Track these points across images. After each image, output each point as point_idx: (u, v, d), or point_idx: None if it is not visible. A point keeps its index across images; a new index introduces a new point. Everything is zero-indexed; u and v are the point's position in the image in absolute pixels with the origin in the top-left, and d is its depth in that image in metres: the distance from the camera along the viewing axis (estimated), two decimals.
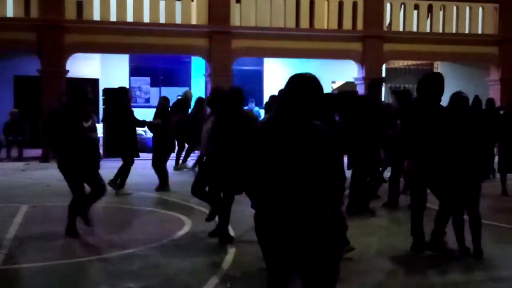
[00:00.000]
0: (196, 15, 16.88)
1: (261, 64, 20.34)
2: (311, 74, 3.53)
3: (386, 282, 5.61)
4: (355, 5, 17.70)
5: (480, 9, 18.63)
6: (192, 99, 13.95)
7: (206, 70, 17.56)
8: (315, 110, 3.44)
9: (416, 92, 6.49)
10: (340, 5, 17.63)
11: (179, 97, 11.71)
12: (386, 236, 7.23)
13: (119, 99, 10.21)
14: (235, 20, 17.05)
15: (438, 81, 6.15)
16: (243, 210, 8.14)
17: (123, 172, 9.93)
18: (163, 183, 10.37)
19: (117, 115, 10.04)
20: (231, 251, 6.39)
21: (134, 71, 19.80)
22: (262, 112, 17.68)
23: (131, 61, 19.60)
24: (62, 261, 6.03)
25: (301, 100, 3.39)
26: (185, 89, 17.57)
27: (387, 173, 9.50)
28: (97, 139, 7.25)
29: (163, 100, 11.33)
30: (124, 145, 9.94)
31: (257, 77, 19.81)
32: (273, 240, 3.43)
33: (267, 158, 3.45)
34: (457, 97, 6.16)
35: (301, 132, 3.36)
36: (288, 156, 3.36)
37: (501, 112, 12.06)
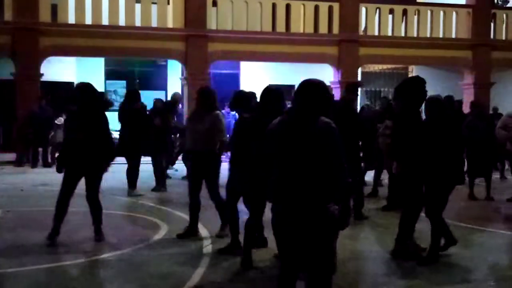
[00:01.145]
0: (172, 19, 16.85)
1: (237, 67, 20.35)
2: (319, 81, 3.97)
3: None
4: (330, 9, 17.83)
5: (454, 13, 18.88)
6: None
7: (183, 73, 17.55)
8: (324, 112, 3.79)
9: (397, 96, 6.54)
10: (316, 9, 17.75)
11: (156, 100, 11.70)
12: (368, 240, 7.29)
13: (132, 101, 10.35)
14: (212, 23, 17.05)
15: (419, 85, 6.25)
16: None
17: (133, 173, 10.24)
18: (162, 183, 10.70)
19: (132, 117, 10.16)
20: (207, 256, 6.37)
21: (110, 75, 19.68)
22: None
23: (106, 64, 19.48)
24: (36, 266, 5.94)
25: (314, 102, 3.77)
26: (161, 92, 17.57)
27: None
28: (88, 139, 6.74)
29: (159, 103, 11.57)
30: (142, 145, 10.17)
31: (234, 81, 19.80)
32: (286, 234, 3.73)
33: (283, 156, 3.73)
34: (435, 100, 6.26)
35: (315, 130, 3.67)
36: (303, 153, 3.65)
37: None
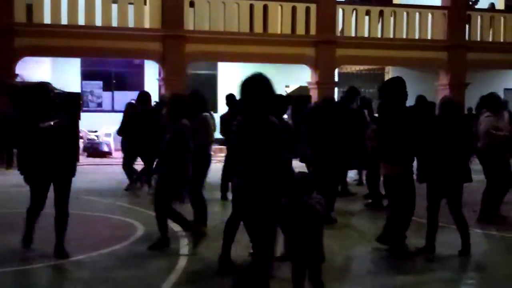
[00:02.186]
0: (149, 19, 16.77)
1: (215, 68, 20.32)
2: (260, 75, 4.22)
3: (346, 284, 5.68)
4: (308, 10, 17.88)
5: (430, 15, 19.06)
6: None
7: (160, 74, 17.47)
8: (269, 106, 4.15)
9: (379, 96, 6.61)
10: (293, 10, 17.79)
11: (132, 102, 11.59)
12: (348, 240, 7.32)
13: (144, 104, 10.42)
14: (189, 24, 17.00)
15: (401, 85, 6.34)
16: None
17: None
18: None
19: (146, 119, 10.19)
20: (184, 257, 6.36)
21: (86, 75, 19.52)
22: (216, 116, 17.68)
23: (82, 65, 19.32)
24: (8, 268, 5.88)
25: (255, 98, 4.12)
26: (136, 93, 17.43)
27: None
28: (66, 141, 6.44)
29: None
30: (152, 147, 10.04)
31: (211, 82, 19.77)
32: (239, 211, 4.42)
33: (239, 149, 4.25)
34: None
35: (258, 126, 4.11)
36: (250, 146, 4.13)
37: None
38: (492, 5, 20.98)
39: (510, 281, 5.82)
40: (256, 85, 4.19)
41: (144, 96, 10.64)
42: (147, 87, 19.33)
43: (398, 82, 6.39)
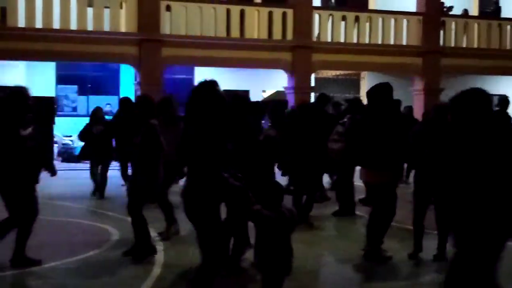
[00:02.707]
0: (125, 23, 16.67)
1: (192, 72, 20.28)
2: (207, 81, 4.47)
3: None
4: (284, 16, 17.94)
5: (405, 21, 19.23)
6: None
7: (136, 78, 17.38)
8: (214, 112, 4.32)
9: (368, 102, 6.63)
10: (270, 15, 17.83)
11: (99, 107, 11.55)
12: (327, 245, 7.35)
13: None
14: (165, 28, 16.94)
15: (388, 91, 6.36)
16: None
17: None
18: None
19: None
20: (159, 262, 6.32)
21: (61, 79, 19.34)
22: None
23: (57, 68, 19.14)
24: None
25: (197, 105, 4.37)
26: (114, 97, 17.38)
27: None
28: (39, 147, 6.58)
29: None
30: None
31: (188, 86, 19.65)
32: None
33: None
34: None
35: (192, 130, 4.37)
36: (190, 152, 4.40)
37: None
38: (466, 11, 21.26)
39: None
40: (198, 93, 4.42)
41: (128, 102, 10.52)
42: (123, 92, 19.28)
43: (386, 89, 6.43)
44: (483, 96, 3.95)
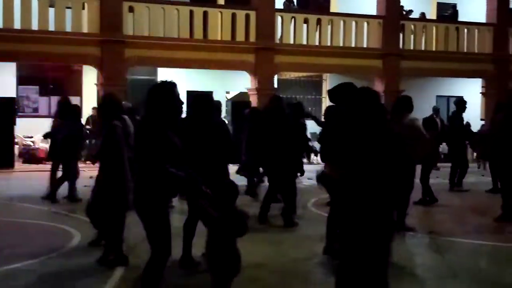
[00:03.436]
0: (87, 23, 16.58)
1: (155, 73, 20.23)
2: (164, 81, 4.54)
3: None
4: (247, 17, 18.07)
5: (365, 24, 19.57)
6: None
7: (98, 79, 17.28)
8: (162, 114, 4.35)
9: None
10: (233, 17, 17.94)
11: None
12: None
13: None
14: (128, 29, 16.91)
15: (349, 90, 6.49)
16: (134, 221, 8.09)
17: None
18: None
19: None
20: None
21: (22, 80, 19.08)
22: None
23: (18, 69, 18.87)
24: None
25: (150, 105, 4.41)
26: (76, 98, 17.26)
27: None
28: None
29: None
30: None
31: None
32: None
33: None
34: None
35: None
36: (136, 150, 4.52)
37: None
38: (423, 14, 21.70)
39: (442, 282, 6.12)
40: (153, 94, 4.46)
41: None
42: (85, 93, 19.14)
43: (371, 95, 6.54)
44: (369, 95, 4.14)
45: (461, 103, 11.52)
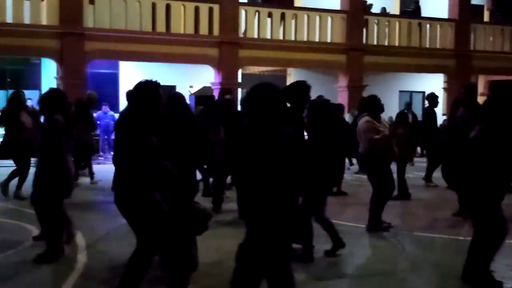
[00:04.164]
0: (46, 15, 16.19)
1: (116, 67, 19.92)
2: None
3: None
4: (211, 11, 17.91)
5: (329, 18, 19.60)
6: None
7: (58, 72, 16.91)
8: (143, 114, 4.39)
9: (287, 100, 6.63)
10: (197, 10, 17.75)
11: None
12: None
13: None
14: (89, 21, 16.58)
15: (305, 89, 6.39)
16: (94, 218, 7.98)
17: None
18: None
19: None
20: (81, 260, 6.19)
21: None
22: (117, 116, 17.35)
23: None
24: None
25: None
26: (35, 92, 16.89)
27: None
28: None
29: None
30: None
31: (113, 81, 19.38)
32: None
33: None
34: (316, 103, 6.41)
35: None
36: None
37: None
38: (384, 9, 21.86)
39: (403, 275, 6.09)
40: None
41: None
42: (45, 86, 18.70)
43: (301, 87, 6.46)
44: (271, 91, 3.96)
45: (433, 97, 11.55)
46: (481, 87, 25.28)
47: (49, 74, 18.24)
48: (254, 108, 3.84)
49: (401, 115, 10.89)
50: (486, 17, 25.26)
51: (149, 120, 4.38)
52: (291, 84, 6.68)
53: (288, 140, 3.83)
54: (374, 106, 7.85)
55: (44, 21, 16.19)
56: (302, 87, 6.44)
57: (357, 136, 7.91)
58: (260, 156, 3.75)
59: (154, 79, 4.54)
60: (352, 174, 13.41)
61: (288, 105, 6.41)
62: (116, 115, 17.41)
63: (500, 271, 5.90)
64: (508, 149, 5.17)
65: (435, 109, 11.78)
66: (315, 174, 6.04)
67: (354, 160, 12.77)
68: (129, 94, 4.40)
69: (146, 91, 4.44)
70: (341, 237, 6.44)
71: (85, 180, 11.62)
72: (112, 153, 16.94)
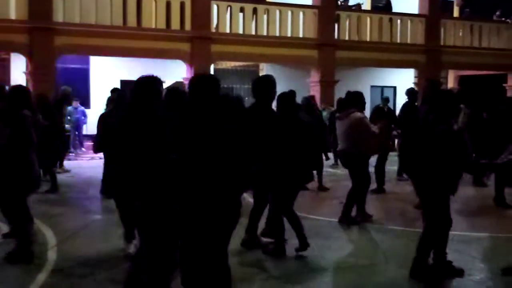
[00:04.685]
0: (15, 9, 15.91)
1: (87, 62, 19.70)
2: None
3: None
4: (182, 6, 17.78)
5: (301, 13, 19.62)
6: None
7: (27, 67, 16.65)
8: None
9: (252, 95, 6.60)
10: (168, 4, 17.62)
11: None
12: None
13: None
14: (58, 16, 16.33)
15: (269, 83, 6.37)
16: (65, 214, 7.91)
17: None
18: None
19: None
20: (51, 258, 6.11)
21: None
22: (88, 112, 17.18)
23: None
24: None
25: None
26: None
27: None
28: None
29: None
30: None
31: (83, 76, 19.17)
32: None
33: None
34: (284, 96, 6.39)
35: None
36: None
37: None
38: (359, 5, 21.98)
39: (373, 268, 6.14)
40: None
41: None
42: (14, 82, 18.39)
43: (268, 81, 6.43)
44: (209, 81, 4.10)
45: (412, 93, 11.61)
46: (451, 82, 25.66)
47: (18, 69, 17.95)
48: (196, 100, 3.99)
49: (378, 110, 10.95)
50: (456, 13, 25.60)
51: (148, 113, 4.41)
52: (257, 79, 6.66)
53: (231, 133, 3.90)
54: (362, 102, 7.95)
55: (12, 16, 15.90)
56: (267, 81, 6.42)
57: (343, 132, 7.92)
58: (203, 148, 3.82)
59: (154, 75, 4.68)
60: (327, 168, 13.48)
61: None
62: (87, 111, 17.26)
63: (467, 263, 6.02)
64: (454, 138, 5.30)
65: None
66: (285, 167, 6.08)
67: (330, 155, 12.80)
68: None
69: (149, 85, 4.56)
70: (307, 236, 6.37)
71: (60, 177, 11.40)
72: (83, 149, 16.84)
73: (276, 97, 6.43)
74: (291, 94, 6.43)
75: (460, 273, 5.65)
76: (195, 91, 4.03)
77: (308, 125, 6.57)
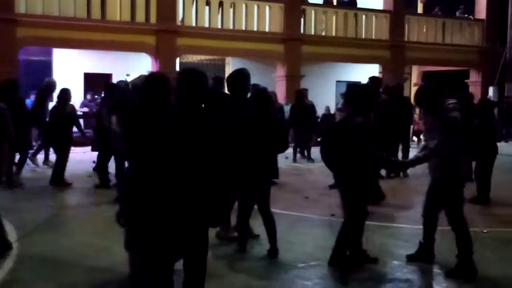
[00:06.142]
0: None
1: (50, 54, 19.35)
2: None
3: None
4: None
5: (267, 8, 19.62)
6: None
7: None
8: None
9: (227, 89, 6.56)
10: None
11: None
12: None
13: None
14: (20, 7, 16.01)
15: (245, 77, 6.36)
16: (28, 208, 7.79)
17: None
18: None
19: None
20: (12, 253, 6.01)
21: None
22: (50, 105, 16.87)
23: None
24: None
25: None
26: None
27: None
28: None
29: None
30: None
31: (46, 68, 18.80)
32: None
33: None
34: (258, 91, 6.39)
35: None
36: None
37: None
38: (326, 1, 22.06)
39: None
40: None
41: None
42: None
43: (242, 75, 6.43)
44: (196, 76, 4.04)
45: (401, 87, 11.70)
46: (415, 77, 26.01)
47: None
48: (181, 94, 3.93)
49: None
50: (420, 9, 25.93)
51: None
52: (232, 73, 6.63)
53: (212, 129, 3.87)
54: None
55: None
56: (242, 75, 6.43)
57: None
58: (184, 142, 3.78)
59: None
60: (290, 163, 13.58)
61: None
62: (50, 104, 16.92)
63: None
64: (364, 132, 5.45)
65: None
66: (260, 162, 6.07)
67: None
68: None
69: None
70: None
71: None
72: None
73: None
74: (265, 90, 6.51)
75: (374, 261, 5.91)
76: (183, 86, 3.94)
77: (281, 123, 6.62)
